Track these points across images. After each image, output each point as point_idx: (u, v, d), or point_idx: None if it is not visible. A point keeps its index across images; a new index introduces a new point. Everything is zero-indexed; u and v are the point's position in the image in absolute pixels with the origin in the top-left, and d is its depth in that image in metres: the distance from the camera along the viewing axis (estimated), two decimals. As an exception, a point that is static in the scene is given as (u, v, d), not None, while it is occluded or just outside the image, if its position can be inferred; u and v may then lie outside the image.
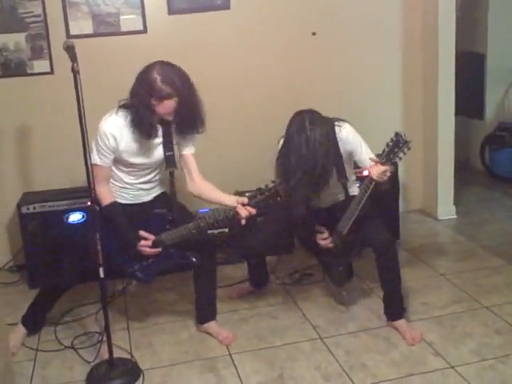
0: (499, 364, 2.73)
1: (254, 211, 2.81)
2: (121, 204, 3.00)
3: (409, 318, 3.15)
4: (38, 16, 3.88)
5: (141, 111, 2.82)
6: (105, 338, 2.80)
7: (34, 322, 3.18)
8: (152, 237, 2.90)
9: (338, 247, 3.16)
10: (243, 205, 2.80)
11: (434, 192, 4.60)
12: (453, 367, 2.73)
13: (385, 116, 4.50)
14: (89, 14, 3.95)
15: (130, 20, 4.02)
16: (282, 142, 3.07)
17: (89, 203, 2.64)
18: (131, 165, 2.97)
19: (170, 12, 4.08)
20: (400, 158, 2.80)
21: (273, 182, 2.80)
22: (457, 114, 4.52)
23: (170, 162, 2.99)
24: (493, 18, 5.38)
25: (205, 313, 3.20)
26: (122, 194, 3.04)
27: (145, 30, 4.05)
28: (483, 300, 3.31)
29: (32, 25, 3.89)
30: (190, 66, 4.11)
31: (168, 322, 3.31)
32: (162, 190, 3.17)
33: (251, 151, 4.29)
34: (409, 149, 2.76)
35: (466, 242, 4.17)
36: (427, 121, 4.57)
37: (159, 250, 2.90)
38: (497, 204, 4.88)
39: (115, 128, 2.86)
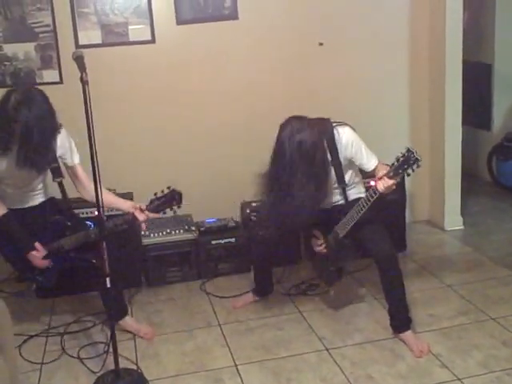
0: (506, 376, 2.71)
1: (152, 215, 3.00)
2: (12, 210, 3.07)
3: (415, 329, 3.13)
4: (48, 26, 3.92)
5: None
6: (111, 349, 2.79)
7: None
8: (43, 250, 3.02)
9: (333, 249, 3.17)
10: (141, 210, 2.96)
11: (441, 202, 4.58)
12: (459, 379, 2.72)
13: (391, 126, 4.50)
14: (97, 24, 3.98)
15: (138, 30, 4.05)
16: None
17: (96, 213, 2.67)
18: (8, 178, 3.02)
19: (179, 22, 4.10)
20: (408, 175, 2.79)
21: (168, 187, 2.96)
22: (464, 124, 4.51)
23: (55, 173, 3.07)
24: (500, 29, 5.37)
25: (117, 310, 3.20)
26: (9, 200, 3.09)
27: (153, 40, 4.08)
28: (490, 311, 3.30)
29: (41, 35, 3.92)
30: (198, 75, 4.17)
31: (174, 332, 3.31)
32: (48, 197, 3.25)
33: (257, 160, 4.28)
34: (418, 166, 2.75)
35: (473, 252, 4.15)
36: (434, 131, 4.57)
37: (48, 262, 3.05)
38: (504, 214, 4.86)
39: None
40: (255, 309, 3.50)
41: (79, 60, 2.59)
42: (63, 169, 3.13)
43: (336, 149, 3.05)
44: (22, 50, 3.92)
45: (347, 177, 3.16)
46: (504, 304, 3.38)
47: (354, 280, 3.80)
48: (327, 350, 3.04)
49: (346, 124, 3.10)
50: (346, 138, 3.04)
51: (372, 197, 2.88)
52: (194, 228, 3.98)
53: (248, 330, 3.30)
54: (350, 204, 3.11)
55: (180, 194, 2.99)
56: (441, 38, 4.33)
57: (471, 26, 5.34)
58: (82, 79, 2.54)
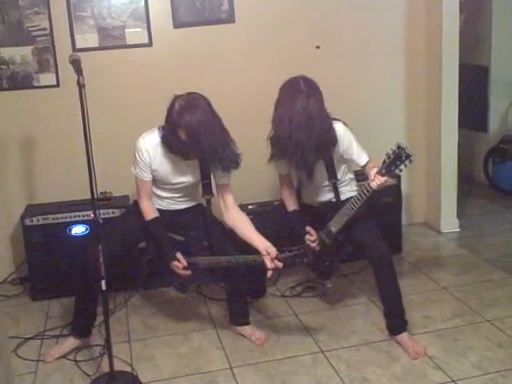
0: (501, 378, 2.72)
1: (280, 266, 2.86)
2: (158, 210, 3.12)
3: (411, 331, 3.13)
4: (45, 29, 3.92)
5: (169, 134, 2.93)
6: (106, 351, 2.80)
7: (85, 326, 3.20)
8: (185, 262, 2.99)
9: (326, 246, 3.17)
10: (272, 257, 2.84)
11: (437, 205, 4.59)
12: (454, 381, 2.72)
13: (388, 128, 4.50)
14: (94, 27, 3.98)
15: (135, 33, 4.05)
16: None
17: (92, 215, 2.67)
18: (163, 182, 3.09)
19: (175, 25, 4.10)
20: (401, 171, 2.81)
21: (302, 245, 2.97)
22: (460, 126, 4.52)
23: (206, 189, 3.11)
24: (496, 31, 5.39)
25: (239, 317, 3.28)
26: (156, 200, 3.15)
27: (150, 43, 4.08)
28: (485, 313, 3.30)
29: (38, 38, 3.92)
30: (195, 78, 4.17)
31: (169, 335, 3.31)
32: (196, 202, 3.27)
33: (254, 164, 4.30)
34: (411, 162, 2.76)
35: (469, 254, 4.16)
36: (430, 133, 4.58)
37: (189, 273, 3.01)
38: (500, 217, 4.87)
39: (150, 145, 2.99)
40: (251, 311, 3.48)
41: (76, 63, 2.61)
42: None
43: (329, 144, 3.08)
44: (19, 54, 3.92)
45: (339, 173, 3.19)
46: (499, 306, 3.39)
47: (349, 282, 3.81)
48: (322, 352, 3.05)
49: (339, 119, 3.12)
50: (340, 130, 3.07)
51: (365, 194, 2.89)
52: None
53: (243, 332, 3.30)
54: (341, 202, 3.14)
55: (314, 252, 3.04)
56: (437, 40, 4.35)
57: (467, 29, 5.35)
58: (78, 82, 2.55)
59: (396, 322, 3.11)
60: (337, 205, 3.16)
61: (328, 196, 3.27)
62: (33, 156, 4.04)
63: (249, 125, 4.29)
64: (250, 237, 2.99)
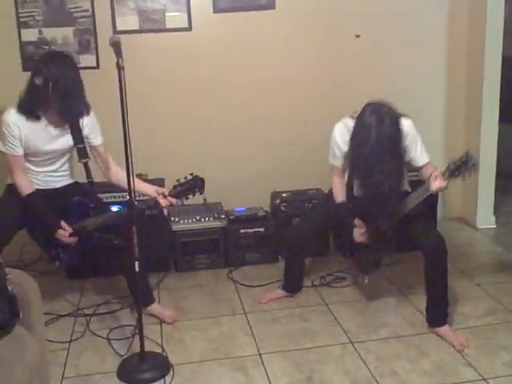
0: (534, 379, 2.68)
1: (174, 201, 3.03)
2: (37, 190, 3.13)
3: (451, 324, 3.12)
4: (87, 11, 3.96)
5: (25, 98, 2.99)
6: (137, 332, 2.84)
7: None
8: (69, 229, 3.08)
9: (375, 239, 3.16)
10: (164, 195, 3.00)
11: (474, 200, 4.52)
12: (485, 379, 2.68)
13: (426, 121, 4.41)
14: (135, 10, 4.01)
15: (175, 17, 4.07)
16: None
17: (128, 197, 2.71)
18: (34, 154, 3.09)
19: (215, 10, 4.11)
20: (464, 179, 2.76)
21: (190, 174, 2.99)
22: (501, 121, 4.43)
23: (81, 153, 3.11)
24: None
25: (144, 297, 3.23)
26: (32, 179, 3.16)
27: (190, 28, 4.09)
28: (519, 313, 3.26)
29: (80, 19, 3.97)
30: (233, 64, 4.18)
31: (199, 319, 3.34)
32: (72, 180, 3.31)
33: (292, 150, 4.30)
34: (475, 171, 2.76)
35: (505, 252, 4.09)
36: (470, 126, 4.50)
37: (75, 239, 3.10)
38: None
39: (16, 117, 3.00)
40: (281, 299, 3.51)
41: (116, 46, 2.61)
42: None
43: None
44: (61, 35, 3.97)
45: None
46: (534, 305, 3.33)
47: (382, 275, 3.78)
48: (352, 343, 3.04)
49: (408, 117, 3.08)
50: (406, 127, 3.02)
51: (422, 196, 2.90)
52: (223, 216, 4.00)
53: (273, 319, 3.31)
54: (395, 194, 3.06)
55: (203, 181, 3.02)
56: (481, 31, 4.26)
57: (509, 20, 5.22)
58: (118, 65, 2.56)
59: (439, 315, 3.08)
60: (390, 197, 3.07)
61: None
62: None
63: (287, 111, 4.28)
64: (138, 187, 3.05)
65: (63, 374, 2.84)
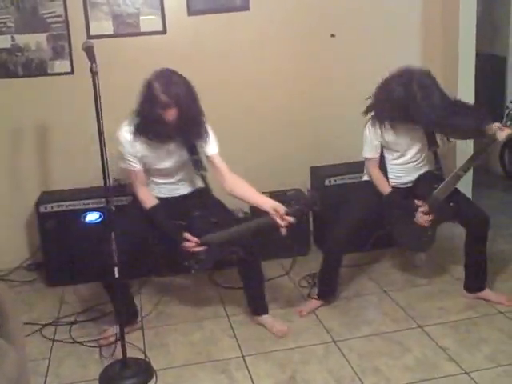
0: (514, 371, 2.70)
1: (292, 220, 2.78)
2: (160, 199, 3.09)
3: (423, 322, 3.15)
4: (60, 16, 3.91)
5: (148, 119, 2.90)
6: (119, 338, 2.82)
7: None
8: (195, 239, 2.95)
9: (436, 213, 3.21)
10: (281, 214, 2.78)
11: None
12: (467, 373, 2.71)
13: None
14: (109, 14, 3.97)
15: (149, 20, 4.04)
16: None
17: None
18: (151, 169, 3.07)
19: (190, 13, 4.08)
20: None
21: (308, 190, 2.86)
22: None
23: (196, 165, 3.08)
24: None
25: (257, 306, 3.26)
26: (155, 190, 3.14)
27: (164, 31, 4.07)
28: (499, 305, 3.28)
29: (53, 25, 3.92)
30: (209, 66, 4.16)
31: (181, 323, 3.32)
32: (196, 187, 3.23)
33: (264, 154, 4.29)
34: None
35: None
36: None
37: (204, 248, 2.96)
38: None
39: (129, 135, 2.95)
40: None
41: (89, 50, 2.60)
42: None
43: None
44: (34, 41, 3.92)
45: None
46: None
47: (362, 272, 3.80)
48: (334, 342, 3.04)
49: None
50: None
51: (485, 149, 3.06)
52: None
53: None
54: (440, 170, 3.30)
55: (319, 197, 2.96)
56: (454, 29, 4.30)
57: (485, 19, 5.27)
58: (91, 70, 2.55)
59: (481, 280, 3.32)
60: (432, 173, 3.28)
61: (424, 169, 3.33)
62: (48, 142, 4.05)
63: (261, 113, 4.28)
64: (253, 200, 2.96)
65: (44, 383, 2.81)
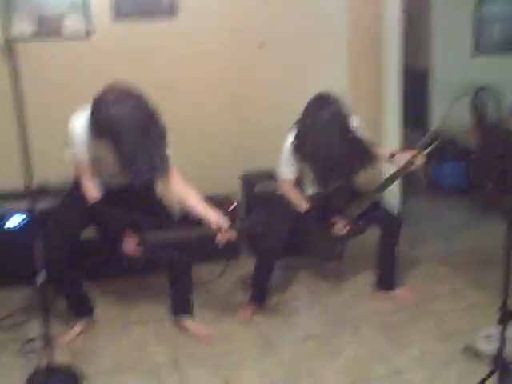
0: (441, 370, 2.76)
1: (233, 236, 2.83)
2: (104, 193, 2.97)
3: (357, 325, 3.20)
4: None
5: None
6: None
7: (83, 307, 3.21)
8: (136, 239, 2.91)
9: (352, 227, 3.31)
10: (225, 230, 2.82)
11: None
12: (398, 373, 2.75)
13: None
14: (31, 16, 3.81)
15: (74, 25, 3.91)
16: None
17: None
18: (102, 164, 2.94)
19: (116, 17, 3.99)
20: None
21: (251, 213, 3.03)
22: (405, 125, 4.60)
23: None
24: (436, 35, 5.52)
25: (182, 310, 3.23)
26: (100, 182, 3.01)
27: (88, 35, 3.95)
28: (428, 307, 3.37)
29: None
30: (134, 71, 4.05)
31: (110, 328, 3.22)
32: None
33: (191, 160, 4.24)
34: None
35: (411, 251, 4.21)
36: (374, 134, 4.62)
37: (141, 250, 2.93)
38: (438, 217, 4.98)
39: (82, 128, 2.79)
40: (195, 304, 3.44)
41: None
42: None
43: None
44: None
45: None
46: (441, 300, 3.46)
47: (295, 276, 3.81)
48: (267, 345, 3.03)
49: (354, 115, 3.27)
50: (356, 122, 3.23)
51: (405, 169, 3.23)
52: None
53: (187, 325, 3.25)
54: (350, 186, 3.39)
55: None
56: (379, 44, 4.45)
57: (409, 33, 5.46)
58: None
59: (392, 279, 3.49)
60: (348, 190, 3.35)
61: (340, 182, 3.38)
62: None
63: (186, 123, 4.20)
64: (199, 210, 2.93)
65: (-35, 392, 2.66)
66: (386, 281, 3.49)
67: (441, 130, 3.15)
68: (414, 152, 3.23)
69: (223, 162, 4.32)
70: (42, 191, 3.58)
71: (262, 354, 2.96)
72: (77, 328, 3.15)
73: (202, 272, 3.79)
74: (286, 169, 3.26)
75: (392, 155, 3.31)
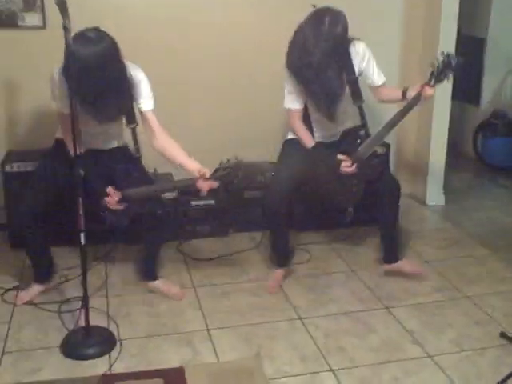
0: (477, 356, 2.72)
1: (215, 185, 2.86)
2: (86, 150, 2.96)
3: (390, 304, 3.16)
4: (30, -33, 3.73)
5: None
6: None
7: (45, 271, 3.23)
8: (117, 196, 2.92)
9: (360, 168, 3.12)
10: (205, 178, 2.82)
11: (424, 177, 4.56)
12: (430, 356, 2.72)
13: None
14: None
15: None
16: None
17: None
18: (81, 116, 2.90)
19: None
20: (448, 80, 2.86)
21: (235, 158, 2.85)
22: (453, 98, 4.45)
23: (129, 118, 2.99)
24: (496, 3, 5.28)
25: (148, 271, 3.28)
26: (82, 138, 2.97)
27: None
28: (466, 290, 3.30)
29: (24, -24, 3.74)
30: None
31: (147, 293, 3.26)
32: (121, 144, 3.18)
33: (248, 123, 4.22)
34: (459, 67, 2.84)
35: (453, 229, 4.15)
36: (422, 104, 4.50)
37: (122, 207, 2.94)
38: (486, 192, 4.87)
39: (59, 76, 2.78)
40: (231, 273, 3.47)
41: (61, 5, 2.46)
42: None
43: (352, 65, 3.07)
44: (4, -9, 3.74)
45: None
46: (480, 283, 3.39)
47: (331, 249, 3.79)
48: (301, 319, 3.03)
49: (360, 39, 3.12)
50: (362, 48, 3.08)
51: (411, 107, 2.93)
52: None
53: (222, 294, 3.27)
54: (365, 126, 3.19)
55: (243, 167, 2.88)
56: (436, 9, 4.25)
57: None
58: (64, 26, 2.42)
59: (393, 252, 3.37)
60: (358, 128, 3.19)
61: (349, 124, 3.26)
62: (16, 100, 3.90)
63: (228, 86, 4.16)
64: (180, 160, 2.95)
65: (4, 348, 2.74)
66: (390, 253, 3.39)
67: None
68: (421, 85, 2.90)
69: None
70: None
71: (295, 327, 2.96)
72: (35, 289, 3.18)
73: (242, 241, 3.81)
74: (288, 97, 3.16)
75: (404, 93, 3.01)
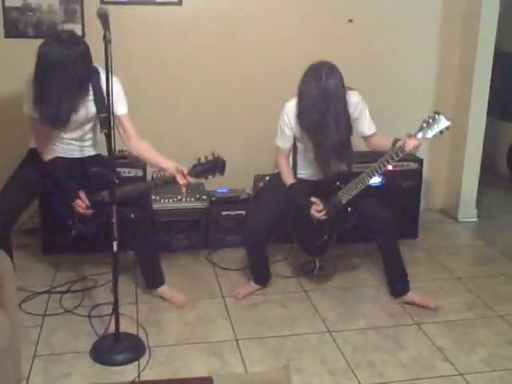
0: (509, 376, 2.67)
1: (193, 181, 2.94)
2: (60, 158, 3.06)
3: (422, 320, 3.12)
4: (73, -22, 3.82)
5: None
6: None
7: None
8: (87, 201, 3.02)
9: (332, 216, 3.15)
10: (183, 174, 2.88)
11: (457, 193, 4.51)
12: (461, 375, 2.67)
13: (415, 108, 4.37)
14: (124, -19, 3.88)
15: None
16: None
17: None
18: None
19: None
20: (435, 136, 2.89)
21: (212, 154, 2.92)
22: (488, 115, 4.41)
23: (103, 123, 2.96)
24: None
25: (152, 278, 3.29)
26: (54, 146, 3.07)
27: (179, 2, 3.98)
28: (498, 308, 3.25)
29: (66, -13, 3.82)
30: (222, 41, 4.07)
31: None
32: (95, 152, 3.23)
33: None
34: (447, 129, 2.88)
35: (485, 246, 4.09)
36: (458, 119, 4.46)
37: (91, 211, 3.02)
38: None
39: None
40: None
41: (103, 17, 2.51)
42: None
43: (348, 115, 3.09)
44: (46, 2, 3.83)
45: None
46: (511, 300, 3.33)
47: (362, 264, 3.76)
48: (330, 332, 3.01)
49: (354, 89, 3.13)
50: (356, 98, 3.10)
51: (397, 155, 2.91)
52: (205, 197, 3.93)
53: (251, 304, 3.27)
54: (349, 171, 3.24)
55: (224, 163, 2.94)
56: (474, 25, 4.23)
57: (507, 15, 5.18)
58: (105, 38, 2.47)
59: (402, 284, 3.26)
60: (343, 174, 3.20)
61: (337, 168, 3.24)
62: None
63: (274, 90, 4.17)
64: (157, 161, 3.01)
65: (35, 351, 2.78)
66: (397, 285, 3.29)
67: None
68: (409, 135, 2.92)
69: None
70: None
71: (324, 341, 2.94)
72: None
73: (272, 251, 3.80)
74: (281, 136, 3.22)
75: (394, 142, 2.98)
